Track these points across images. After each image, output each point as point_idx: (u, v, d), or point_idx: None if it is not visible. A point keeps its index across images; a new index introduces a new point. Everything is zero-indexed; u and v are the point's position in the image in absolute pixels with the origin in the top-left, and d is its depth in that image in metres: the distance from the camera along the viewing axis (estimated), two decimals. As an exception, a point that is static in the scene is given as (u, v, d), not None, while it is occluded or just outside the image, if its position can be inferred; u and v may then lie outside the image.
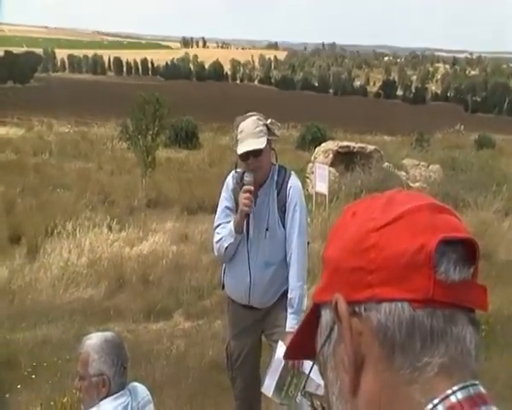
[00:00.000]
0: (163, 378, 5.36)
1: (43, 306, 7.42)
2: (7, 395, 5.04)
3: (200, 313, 7.28)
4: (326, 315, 0.75)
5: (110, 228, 10.38)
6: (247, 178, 3.49)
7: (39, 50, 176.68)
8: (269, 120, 3.59)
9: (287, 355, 0.87)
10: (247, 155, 3.49)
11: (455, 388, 0.67)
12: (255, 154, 3.47)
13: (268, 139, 3.51)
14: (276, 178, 3.62)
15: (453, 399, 0.66)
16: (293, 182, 3.64)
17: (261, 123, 3.52)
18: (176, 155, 22.67)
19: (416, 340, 0.67)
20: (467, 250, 0.70)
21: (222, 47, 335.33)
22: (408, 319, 0.67)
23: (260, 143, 3.46)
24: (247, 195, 3.45)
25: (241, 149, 3.47)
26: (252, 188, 3.46)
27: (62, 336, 6.43)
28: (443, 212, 0.72)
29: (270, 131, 3.56)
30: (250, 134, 3.47)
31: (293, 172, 3.74)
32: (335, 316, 0.71)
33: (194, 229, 10.63)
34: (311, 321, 0.79)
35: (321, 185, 12.36)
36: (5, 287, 7.95)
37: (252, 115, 3.57)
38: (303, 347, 0.82)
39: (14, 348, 6.04)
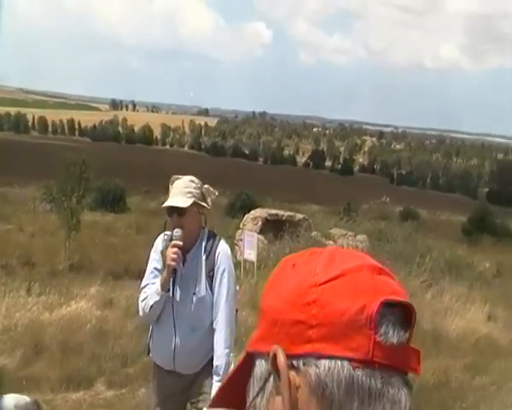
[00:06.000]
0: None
1: None
2: None
3: (124, 381, 6.99)
4: (261, 366, 0.74)
5: (29, 292, 9.92)
6: (177, 233, 3.45)
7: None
8: (205, 186, 3.60)
9: (214, 404, 0.85)
10: (171, 211, 3.48)
11: None
12: (179, 212, 3.45)
13: (197, 202, 3.48)
14: (204, 243, 3.58)
15: None
16: (222, 248, 3.62)
17: (193, 185, 3.53)
18: (102, 219, 22.22)
19: (354, 399, 0.67)
20: (404, 314, 0.72)
21: (152, 111, 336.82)
22: (347, 377, 0.67)
23: (184, 202, 3.44)
24: (175, 250, 3.41)
25: (165, 203, 3.50)
26: (180, 243, 3.42)
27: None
28: (382, 273, 0.73)
29: (203, 196, 3.54)
30: (178, 192, 3.48)
31: (222, 239, 3.73)
32: (272, 368, 0.70)
33: (120, 294, 10.33)
34: (242, 371, 0.77)
35: (249, 253, 12.34)
36: None
37: (188, 177, 3.59)
38: (231, 397, 0.81)
39: None
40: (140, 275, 3.82)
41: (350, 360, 0.68)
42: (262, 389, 0.73)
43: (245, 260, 12.61)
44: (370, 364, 0.68)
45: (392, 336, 0.70)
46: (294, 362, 0.69)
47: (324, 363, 0.68)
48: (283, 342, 0.70)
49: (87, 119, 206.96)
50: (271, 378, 0.71)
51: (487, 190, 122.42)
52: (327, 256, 0.74)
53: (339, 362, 0.68)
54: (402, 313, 0.71)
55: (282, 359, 0.69)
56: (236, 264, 13.15)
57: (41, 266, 12.75)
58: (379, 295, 0.69)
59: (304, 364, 0.69)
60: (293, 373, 0.69)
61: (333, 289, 0.70)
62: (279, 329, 0.71)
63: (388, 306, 0.70)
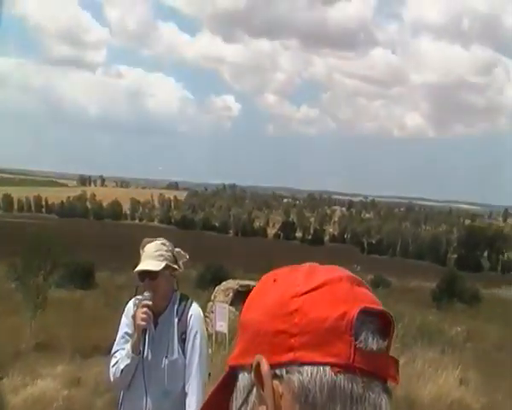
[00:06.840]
0: None
1: None
2: None
3: None
4: (244, 378, 0.74)
5: (-8, 375, 9.61)
6: (146, 294, 3.40)
7: None
8: (176, 249, 3.58)
9: None
10: (143, 276, 3.43)
11: None
12: (151, 276, 3.41)
13: (168, 265, 3.45)
14: (176, 305, 3.53)
15: None
16: (195, 310, 3.56)
17: (165, 248, 3.50)
18: (70, 296, 21.86)
19: (337, 403, 0.68)
20: (382, 323, 0.74)
21: (121, 186, 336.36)
22: (329, 382, 0.68)
23: (156, 265, 3.41)
24: (145, 309, 3.35)
25: (137, 268, 3.44)
26: (150, 303, 3.37)
27: None
28: (360, 285, 0.76)
29: (175, 258, 3.52)
30: (149, 256, 3.44)
31: (194, 302, 3.67)
32: (256, 377, 0.70)
33: (88, 372, 10.07)
34: (223, 388, 0.77)
35: (221, 324, 12.23)
36: None
37: (159, 239, 3.56)
38: None
39: None
40: (109, 351, 3.72)
41: (332, 365, 0.69)
42: (245, 400, 0.73)
43: (216, 332, 12.47)
44: (351, 369, 0.69)
45: (372, 343, 0.71)
46: (277, 371, 0.70)
47: (307, 369, 0.69)
48: (266, 353, 0.70)
49: (54, 195, 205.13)
50: (254, 390, 0.72)
51: (456, 256, 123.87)
52: (307, 269, 0.76)
53: (321, 368, 0.69)
54: (381, 323, 0.73)
55: (265, 367, 0.69)
56: (208, 337, 13.00)
57: (4, 348, 12.40)
58: (359, 303, 0.72)
59: (287, 372, 0.70)
60: (276, 382, 0.70)
61: (314, 298, 0.71)
62: (261, 340, 0.72)
63: (368, 314, 0.72)
